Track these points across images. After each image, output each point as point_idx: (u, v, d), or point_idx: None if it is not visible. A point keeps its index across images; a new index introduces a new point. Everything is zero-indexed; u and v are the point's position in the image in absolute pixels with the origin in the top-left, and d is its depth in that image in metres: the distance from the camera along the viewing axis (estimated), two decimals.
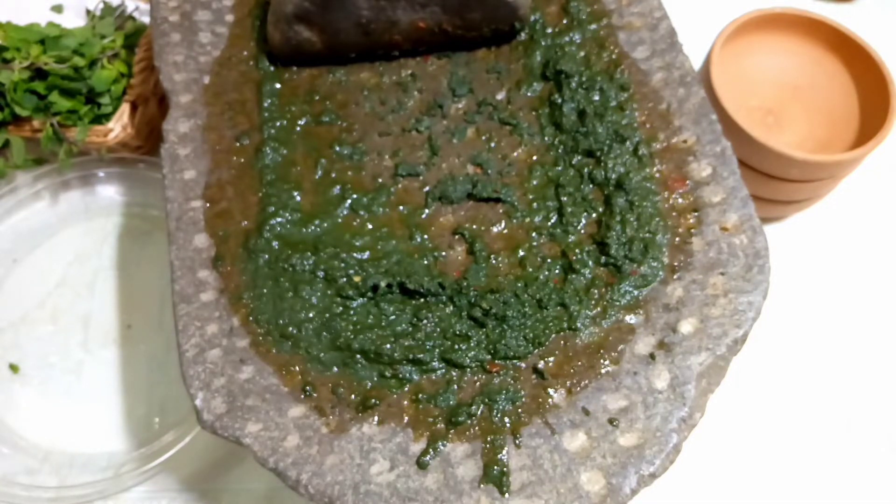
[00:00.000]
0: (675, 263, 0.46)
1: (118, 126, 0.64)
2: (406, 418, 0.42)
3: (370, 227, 0.50)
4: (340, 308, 0.46)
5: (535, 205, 0.50)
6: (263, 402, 0.43)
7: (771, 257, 0.45)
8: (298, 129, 0.54)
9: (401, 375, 0.44)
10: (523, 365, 0.44)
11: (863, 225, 0.69)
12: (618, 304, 0.45)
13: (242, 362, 0.44)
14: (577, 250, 0.48)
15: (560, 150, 0.52)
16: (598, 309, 0.45)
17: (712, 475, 0.57)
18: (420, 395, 0.43)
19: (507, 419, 0.42)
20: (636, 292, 0.46)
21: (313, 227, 0.50)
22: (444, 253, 0.49)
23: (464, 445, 0.41)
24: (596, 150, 0.51)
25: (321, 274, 0.47)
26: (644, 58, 0.53)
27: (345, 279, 0.47)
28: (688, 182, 0.48)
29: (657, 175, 0.50)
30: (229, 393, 0.43)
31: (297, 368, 0.44)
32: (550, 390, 0.43)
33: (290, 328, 0.45)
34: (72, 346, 0.63)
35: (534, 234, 0.49)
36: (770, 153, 0.57)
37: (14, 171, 0.66)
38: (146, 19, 0.71)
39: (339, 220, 0.50)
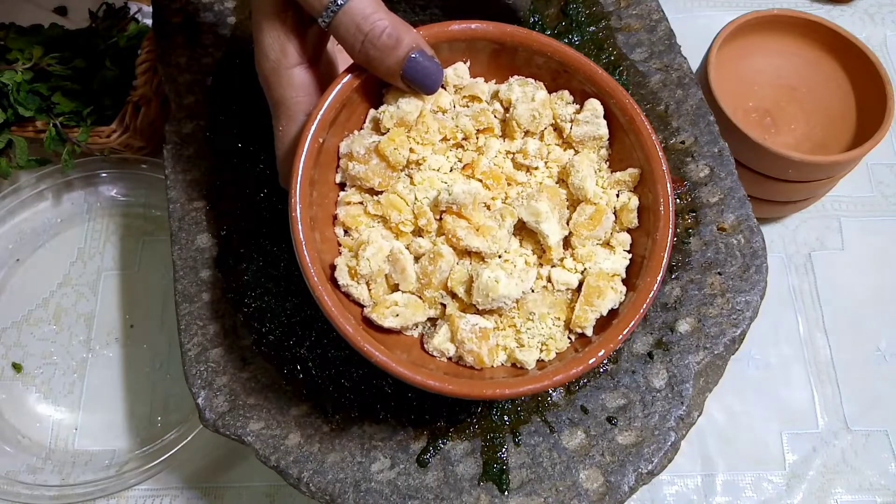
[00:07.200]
0: (673, 263, 0.46)
1: (121, 127, 0.64)
2: None
3: None
4: None
5: None
6: (265, 400, 0.43)
7: (768, 257, 0.46)
8: None
9: None
10: None
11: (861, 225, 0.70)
12: None
13: (244, 361, 0.44)
14: None
15: None
16: None
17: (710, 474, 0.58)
18: None
19: (506, 417, 0.42)
20: None
21: None
22: None
23: (464, 443, 0.41)
24: None
25: None
26: (642, 59, 0.53)
27: None
28: (685, 182, 0.49)
29: None
30: (231, 391, 0.43)
31: (299, 367, 0.44)
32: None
33: (293, 326, 0.45)
34: (74, 345, 0.63)
35: None
36: (767, 154, 0.57)
37: (17, 172, 0.66)
38: (149, 21, 0.71)
39: None
